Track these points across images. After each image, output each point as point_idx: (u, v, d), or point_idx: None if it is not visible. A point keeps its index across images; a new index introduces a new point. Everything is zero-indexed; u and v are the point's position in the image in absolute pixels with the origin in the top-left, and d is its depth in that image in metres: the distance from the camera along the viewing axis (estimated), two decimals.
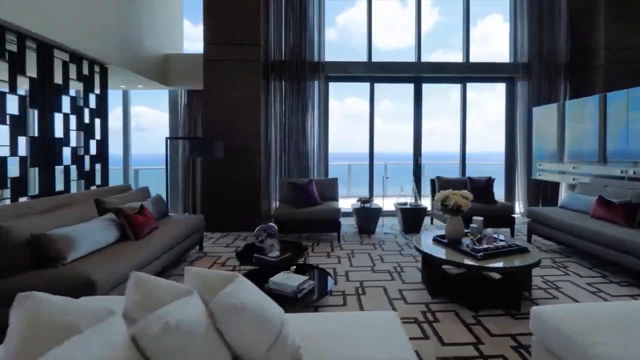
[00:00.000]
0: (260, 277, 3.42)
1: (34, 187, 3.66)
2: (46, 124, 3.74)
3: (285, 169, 6.66)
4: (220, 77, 5.87)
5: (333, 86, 7.07)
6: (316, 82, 6.73)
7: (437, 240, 3.51)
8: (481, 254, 3.00)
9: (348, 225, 6.03)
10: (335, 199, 5.83)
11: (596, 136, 5.44)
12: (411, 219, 5.69)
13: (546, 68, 6.84)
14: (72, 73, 4.17)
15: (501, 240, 3.33)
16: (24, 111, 3.48)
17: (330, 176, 6.60)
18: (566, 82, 6.90)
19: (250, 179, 5.95)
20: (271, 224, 3.97)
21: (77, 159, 4.25)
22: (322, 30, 6.77)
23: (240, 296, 1.33)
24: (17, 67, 3.37)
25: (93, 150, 4.55)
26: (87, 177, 4.44)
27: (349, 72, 7.03)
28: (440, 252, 3.21)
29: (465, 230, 3.53)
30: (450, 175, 6.29)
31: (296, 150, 6.70)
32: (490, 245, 3.17)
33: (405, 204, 5.95)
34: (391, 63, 7.15)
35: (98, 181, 4.67)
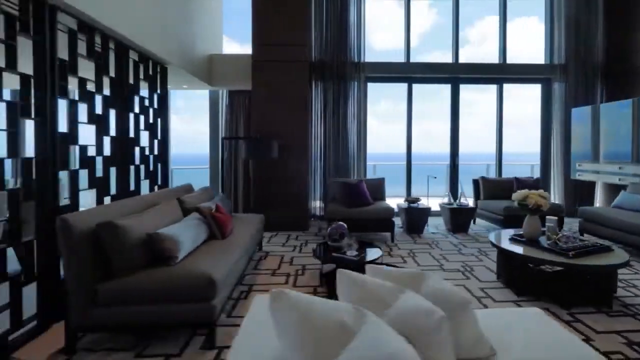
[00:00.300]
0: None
1: (113, 187, 3.68)
2: (122, 124, 3.77)
3: (326, 168, 6.70)
4: (268, 77, 5.91)
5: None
6: (355, 83, 6.77)
7: (515, 239, 3.55)
8: (572, 252, 3.04)
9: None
10: (383, 198, 5.87)
11: (630, 137, 5.52)
12: (459, 218, 5.73)
13: (583, 69, 6.89)
14: (141, 73, 4.20)
15: (581, 240, 3.37)
16: (106, 111, 3.51)
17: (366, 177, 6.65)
18: (603, 84, 6.95)
19: (297, 179, 5.98)
20: (341, 223, 4.01)
21: (145, 158, 4.28)
22: (362, 30, 6.80)
23: (458, 293, 1.36)
24: (102, 68, 3.41)
25: (156, 150, 4.57)
26: (151, 177, 4.47)
27: (388, 72, 7.07)
28: (526, 252, 3.24)
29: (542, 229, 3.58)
30: (479, 175, 6.40)
31: (335, 150, 6.74)
32: (576, 244, 3.21)
33: (451, 203, 5.99)
34: (428, 64, 7.20)
35: (159, 181, 4.69)
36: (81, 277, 2.33)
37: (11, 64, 2.38)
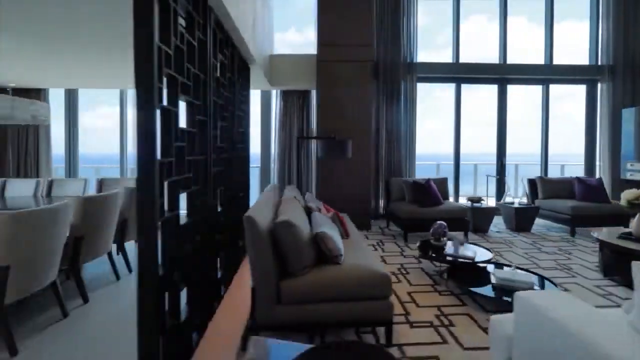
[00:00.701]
0: (456, 274, 3.50)
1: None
2: (231, 125, 3.76)
3: (379, 167, 6.77)
4: (332, 77, 5.93)
5: None
6: (407, 83, 6.84)
7: (625, 237, 3.63)
8: None
9: None
10: (447, 197, 5.94)
11: None
12: (523, 218, 5.82)
13: (631, 70, 7.04)
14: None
15: None
16: (228, 111, 3.50)
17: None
18: None
19: (361, 178, 6.01)
20: (442, 222, 4.06)
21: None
22: (414, 31, 6.87)
23: None
24: (226, 68, 3.40)
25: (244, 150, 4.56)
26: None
27: (437, 72, 7.15)
28: None
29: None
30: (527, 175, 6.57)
31: (388, 150, 6.81)
32: None
33: (512, 203, 6.09)
34: (477, 64, 7.28)
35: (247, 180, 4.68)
36: (266, 276, 2.34)
37: (191, 62, 2.37)
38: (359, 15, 5.99)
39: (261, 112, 7.14)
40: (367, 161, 6.08)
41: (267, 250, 2.37)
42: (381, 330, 2.63)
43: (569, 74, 7.36)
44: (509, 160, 8.35)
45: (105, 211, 3.41)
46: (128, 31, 3.61)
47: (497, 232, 5.82)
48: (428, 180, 5.63)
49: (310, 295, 2.40)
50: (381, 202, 6.84)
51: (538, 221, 6.45)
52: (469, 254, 3.58)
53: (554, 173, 8.63)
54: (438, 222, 4.07)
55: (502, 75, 7.31)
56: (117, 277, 3.76)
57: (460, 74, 7.22)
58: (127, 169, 7.13)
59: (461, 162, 7.35)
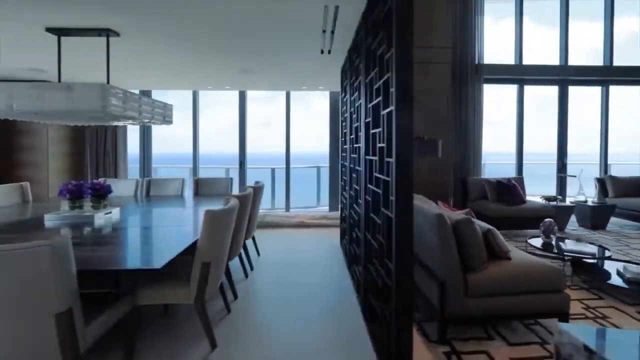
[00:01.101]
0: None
1: None
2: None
3: (450, 166, 6.90)
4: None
5: None
6: (475, 83, 6.96)
7: None
8: None
9: None
10: (525, 196, 6.07)
11: None
12: (599, 216, 5.95)
13: None
14: None
15: None
16: None
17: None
18: None
19: (441, 177, 6.14)
20: (551, 220, 4.20)
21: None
22: (480, 32, 6.99)
23: None
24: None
25: None
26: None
27: (501, 74, 7.28)
28: None
29: None
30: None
31: (458, 149, 6.94)
32: None
33: (586, 201, 6.21)
34: (538, 66, 7.39)
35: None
36: (453, 270, 2.50)
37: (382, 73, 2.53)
38: (437, 17, 6.11)
39: (330, 111, 7.30)
40: (445, 160, 6.20)
41: (453, 246, 2.54)
42: (544, 322, 2.78)
43: (629, 75, 7.45)
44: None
45: (245, 210, 3.58)
46: (206, 31, 3.63)
47: (573, 229, 5.94)
48: (509, 180, 5.78)
49: (492, 289, 2.56)
50: (450, 200, 6.97)
51: (613, 219, 6.56)
52: (588, 250, 3.72)
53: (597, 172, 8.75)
54: (547, 220, 4.20)
55: (563, 76, 7.42)
56: (246, 275, 3.93)
57: (523, 75, 7.34)
58: (199, 169, 7.31)
59: (524, 163, 7.47)
